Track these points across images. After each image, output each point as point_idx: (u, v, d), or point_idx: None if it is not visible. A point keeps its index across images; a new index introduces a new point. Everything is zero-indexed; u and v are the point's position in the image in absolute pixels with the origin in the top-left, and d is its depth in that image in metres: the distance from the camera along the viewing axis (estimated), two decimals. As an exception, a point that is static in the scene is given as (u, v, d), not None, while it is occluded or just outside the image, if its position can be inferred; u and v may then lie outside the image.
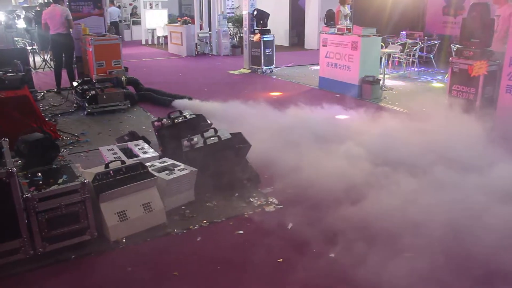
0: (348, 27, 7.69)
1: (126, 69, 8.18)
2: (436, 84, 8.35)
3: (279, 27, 14.99)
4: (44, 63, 10.46)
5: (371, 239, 2.86)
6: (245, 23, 10.22)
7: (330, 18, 8.59)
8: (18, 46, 10.76)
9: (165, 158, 3.71)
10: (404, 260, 2.64)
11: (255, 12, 9.75)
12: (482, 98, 5.18)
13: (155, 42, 17.21)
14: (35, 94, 7.10)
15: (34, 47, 10.77)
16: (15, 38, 11.44)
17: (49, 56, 10.30)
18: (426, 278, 2.50)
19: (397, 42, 9.29)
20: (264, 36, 9.68)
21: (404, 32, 10.16)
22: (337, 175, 3.73)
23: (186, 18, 14.20)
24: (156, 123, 4.37)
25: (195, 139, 3.81)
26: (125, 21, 19.02)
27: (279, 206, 3.44)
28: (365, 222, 3.05)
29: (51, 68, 9.39)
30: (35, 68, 10.25)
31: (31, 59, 9.27)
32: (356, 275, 2.54)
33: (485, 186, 3.38)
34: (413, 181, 3.58)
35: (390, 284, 2.44)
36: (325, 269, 2.64)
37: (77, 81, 7.02)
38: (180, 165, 3.53)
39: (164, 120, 4.36)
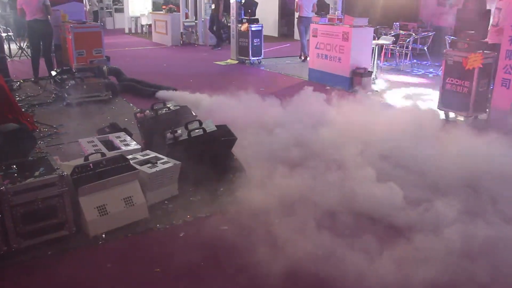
0: (340, 17, 7.58)
1: (108, 58, 7.98)
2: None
3: (268, 17, 14.79)
4: (20, 50, 10.09)
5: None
6: (233, 12, 10.04)
7: (320, 8, 8.49)
8: (-7, 33, 10.40)
9: (148, 151, 3.62)
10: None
11: (243, 1, 9.58)
12: (477, 92, 5.09)
13: (139, 30, 16.88)
14: (11, 84, 6.87)
15: (9, 33, 10.40)
16: (-11, 24, 11.06)
17: (25, 43, 9.95)
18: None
19: (390, 33, 9.19)
20: (252, 25, 9.50)
21: (397, 23, 10.08)
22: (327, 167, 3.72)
23: (171, 6, 13.93)
24: (138, 115, 4.31)
25: (179, 132, 3.74)
26: (107, 8, 18.55)
27: (264, 201, 3.38)
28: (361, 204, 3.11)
29: (28, 56, 9.07)
30: (10, 56, 9.91)
31: (6, 47, 8.94)
32: (338, 263, 2.53)
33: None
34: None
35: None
36: (312, 263, 2.60)
37: (56, 70, 6.79)
38: (163, 158, 3.45)
39: (147, 111, 4.30)
